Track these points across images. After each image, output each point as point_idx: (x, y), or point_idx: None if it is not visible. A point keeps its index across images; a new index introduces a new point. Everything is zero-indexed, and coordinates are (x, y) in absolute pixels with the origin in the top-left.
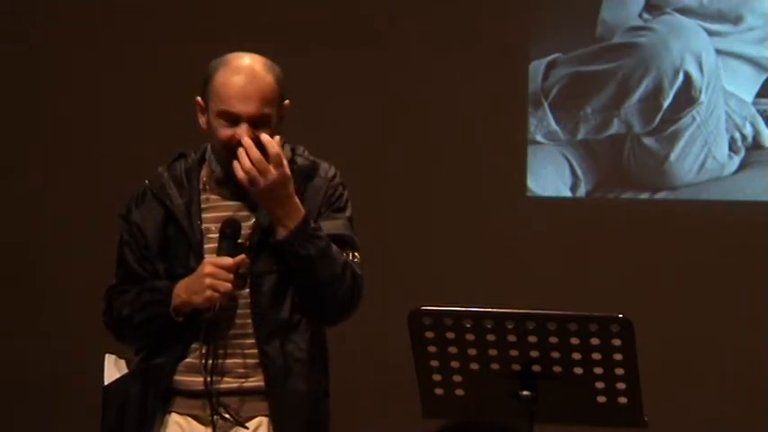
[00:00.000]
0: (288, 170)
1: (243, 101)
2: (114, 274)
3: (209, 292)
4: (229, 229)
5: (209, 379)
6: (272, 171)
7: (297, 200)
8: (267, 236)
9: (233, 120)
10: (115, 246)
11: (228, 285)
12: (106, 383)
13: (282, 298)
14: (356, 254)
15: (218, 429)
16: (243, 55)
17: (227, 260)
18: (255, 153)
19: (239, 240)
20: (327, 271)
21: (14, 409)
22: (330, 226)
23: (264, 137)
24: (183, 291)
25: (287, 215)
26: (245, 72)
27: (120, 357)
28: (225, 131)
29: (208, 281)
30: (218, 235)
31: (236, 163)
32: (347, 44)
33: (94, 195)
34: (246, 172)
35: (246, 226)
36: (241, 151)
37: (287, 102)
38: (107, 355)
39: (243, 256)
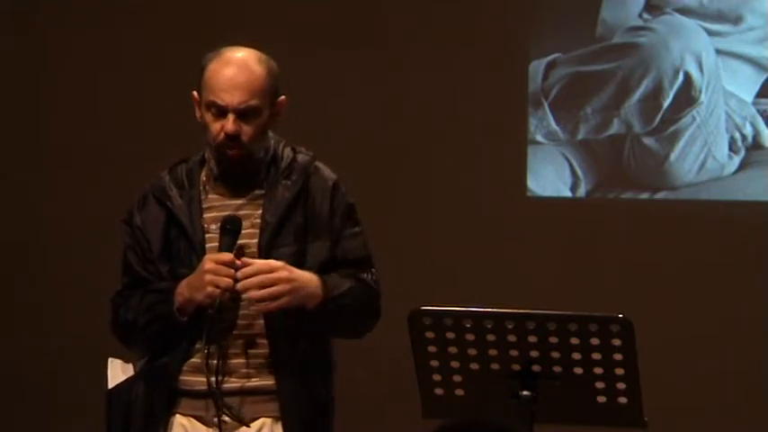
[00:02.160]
0: (286, 271)
1: (229, 91)
2: (120, 280)
3: (210, 288)
4: (230, 225)
5: (212, 379)
6: (283, 285)
7: (306, 278)
8: (276, 236)
9: (221, 111)
10: (116, 246)
11: (229, 281)
12: (110, 387)
13: None
14: (373, 269)
15: (223, 430)
16: (237, 48)
17: (228, 255)
18: (260, 278)
19: (240, 242)
20: (359, 314)
21: (14, 409)
22: (351, 248)
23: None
24: (185, 289)
25: (309, 296)
26: (234, 63)
27: (126, 362)
28: (214, 124)
29: (208, 277)
30: (218, 233)
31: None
32: (347, 44)
33: (94, 195)
34: (260, 299)
35: (250, 224)
36: (243, 279)
37: (282, 98)
38: (110, 360)
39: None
